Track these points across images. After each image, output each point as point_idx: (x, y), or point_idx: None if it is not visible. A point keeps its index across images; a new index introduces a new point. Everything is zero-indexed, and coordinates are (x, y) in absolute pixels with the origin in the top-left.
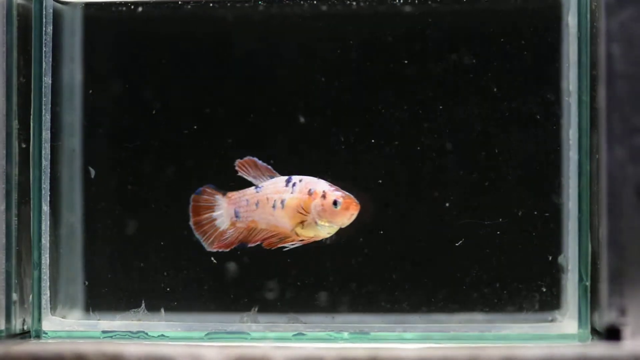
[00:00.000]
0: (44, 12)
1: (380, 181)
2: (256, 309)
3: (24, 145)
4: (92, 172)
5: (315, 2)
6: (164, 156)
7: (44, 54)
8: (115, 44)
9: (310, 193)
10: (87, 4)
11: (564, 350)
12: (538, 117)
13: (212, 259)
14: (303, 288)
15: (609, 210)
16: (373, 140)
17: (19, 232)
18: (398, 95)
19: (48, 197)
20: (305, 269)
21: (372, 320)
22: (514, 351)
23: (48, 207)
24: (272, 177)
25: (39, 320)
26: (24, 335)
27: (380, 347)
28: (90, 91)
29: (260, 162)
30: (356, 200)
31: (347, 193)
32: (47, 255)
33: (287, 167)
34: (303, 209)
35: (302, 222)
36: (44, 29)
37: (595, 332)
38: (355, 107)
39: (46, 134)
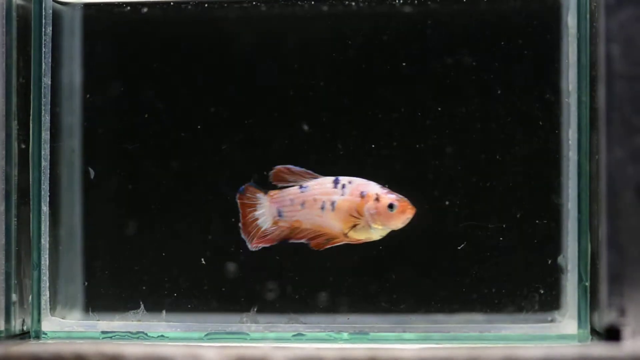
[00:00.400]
0: (43, 13)
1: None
2: (255, 310)
3: (23, 146)
4: (92, 172)
5: (314, 2)
6: (163, 156)
7: (43, 55)
8: (114, 44)
9: (362, 196)
10: (86, 5)
11: (564, 351)
12: (538, 117)
13: (202, 260)
14: (303, 288)
15: (609, 210)
16: (372, 141)
17: (18, 232)
18: (397, 96)
19: (47, 198)
20: (305, 269)
21: (372, 321)
22: (514, 351)
23: (47, 208)
24: (313, 178)
25: (39, 320)
26: (24, 335)
27: (380, 347)
28: (89, 95)
29: (295, 167)
30: (411, 203)
31: (400, 195)
32: (47, 256)
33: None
34: (356, 211)
35: (354, 225)
36: (43, 29)
37: (595, 333)
38: (354, 108)
39: (46, 135)
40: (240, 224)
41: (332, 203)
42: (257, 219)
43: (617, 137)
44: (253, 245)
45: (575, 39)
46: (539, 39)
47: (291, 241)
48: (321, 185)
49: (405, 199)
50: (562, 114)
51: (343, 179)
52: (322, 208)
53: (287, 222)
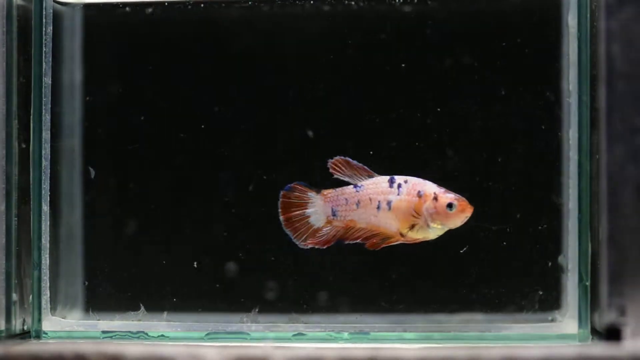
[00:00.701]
0: (43, 13)
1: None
2: (256, 310)
3: (24, 146)
4: (92, 172)
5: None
6: (163, 156)
7: (44, 55)
8: (114, 44)
9: (420, 195)
10: (86, 5)
11: (564, 350)
12: (538, 117)
13: (195, 263)
14: (303, 288)
15: (609, 210)
16: (372, 142)
17: (19, 232)
18: (397, 96)
19: (48, 197)
20: (305, 269)
21: (372, 320)
22: (514, 351)
23: (48, 207)
24: (369, 176)
25: (39, 320)
26: (24, 335)
27: (380, 347)
28: (88, 98)
29: (353, 161)
30: (468, 202)
31: (457, 194)
32: (47, 256)
33: (289, 166)
34: (414, 211)
35: (412, 225)
36: (43, 29)
37: (595, 332)
38: (353, 108)
39: (46, 134)
40: (282, 218)
41: (389, 203)
42: (307, 217)
43: (618, 136)
44: (305, 244)
45: (575, 39)
46: (539, 38)
47: (346, 242)
48: (376, 185)
49: (463, 198)
50: (562, 113)
51: (399, 179)
52: (378, 208)
53: (341, 222)
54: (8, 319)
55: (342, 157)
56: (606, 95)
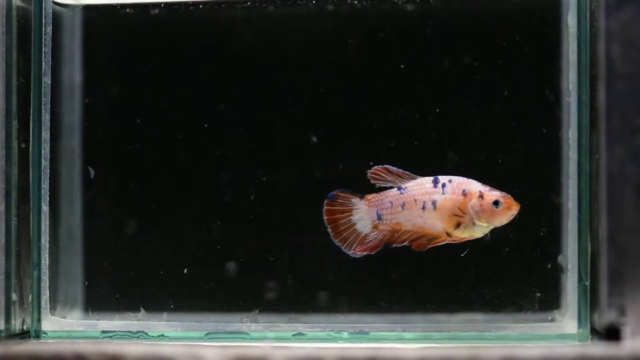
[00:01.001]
0: (43, 13)
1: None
2: (257, 312)
3: (23, 146)
4: (92, 172)
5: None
6: (163, 156)
7: (43, 55)
8: (114, 45)
9: (465, 194)
10: (86, 6)
11: (564, 350)
12: (538, 116)
13: (185, 270)
14: (303, 288)
15: (609, 210)
16: (372, 142)
17: (18, 232)
18: (397, 96)
19: (47, 197)
20: (306, 269)
21: (372, 320)
22: (514, 351)
23: (47, 207)
24: (411, 179)
25: (39, 320)
26: (24, 335)
27: (379, 347)
28: (87, 100)
29: (393, 168)
30: (514, 200)
31: (503, 192)
32: (47, 256)
33: (289, 166)
34: (460, 210)
35: (458, 224)
36: (43, 29)
37: (594, 332)
38: (352, 108)
39: (46, 134)
40: (329, 229)
41: (434, 203)
42: (354, 224)
43: (617, 136)
44: (355, 252)
45: (575, 39)
46: (539, 38)
47: (394, 245)
48: (420, 186)
49: (509, 195)
50: (562, 113)
51: (442, 179)
52: (424, 208)
53: (387, 225)
54: (8, 319)
55: (381, 166)
56: (606, 95)
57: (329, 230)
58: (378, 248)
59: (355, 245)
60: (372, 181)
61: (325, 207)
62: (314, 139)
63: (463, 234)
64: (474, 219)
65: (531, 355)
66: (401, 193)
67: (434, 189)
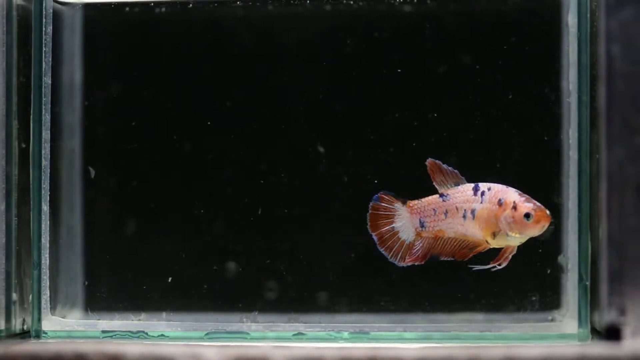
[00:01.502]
0: (43, 12)
1: (377, 181)
2: (256, 313)
3: (23, 145)
4: (92, 172)
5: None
6: (163, 156)
7: (43, 54)
8: (114, 44)
9: (500, 203)
10: (86, 5)
11: (564, 350)
12: (538, 116)
13: (169, 279)
14: (303, 287)
15: (609, 209)
16: (372, 141)
17: (18, 231)
18: (396, 96)
19: (48, 197)
20: (305, 268)
21: (372, 320)
22: (514, 351)
23: (48, 207)
24: (457, 183)
25: (39, 320)
26: (24, 335)
27: (380, 346)
28: (87, 103)
29: (445, 166)
30: (547, 212)
31: (537, 204)
32: (47, 255)
33: (289, 166)
34: (494, 219)
35: (493, 233)
36: (43, 28)
37: (595, 332)
38: (350, 108)
39: (46, 134)
40: (375, 237)
41: (472, 211)
42: (397, 232)
43: (618, 136)
44: (403, 263)
45: (575, 39)
46: (539, 38)
47: (442, 258)
48: (462, 193)
49: (542, 207)
50: (562, 113)
51: (483, 186)
52: (464, 217)
53: (430, 233)
54: (8, 319)
55: (434, 161)
56: (606, 95)
57: (375, 238)
58: (426, 258)
59: (400, 254)
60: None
61: (369, 212)
62: (314, 138)
63: (500, 243)
64: (507, 230)
65: (531, 355)
66: (444, 200)
67: (474, 197)
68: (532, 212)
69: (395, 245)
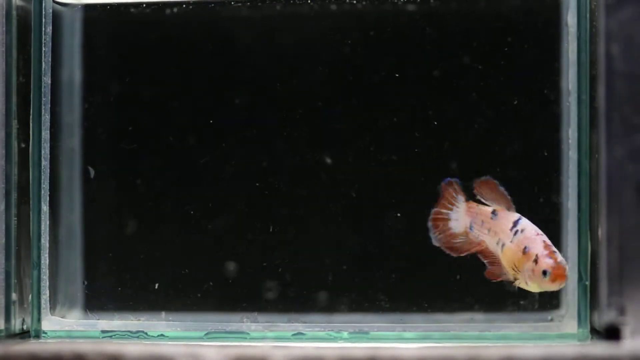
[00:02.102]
0: (43, 12)
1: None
2: (256, 314)
3: (23, 145)
4: (92, 171)
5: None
6: (163, 156)
7: (43, 54)
8: (114, 44)
9: (525, 252)
10: (86, 6)
11: (564, 350)
12: (537, 116)
13: (155, 285)
14: (303, 287)
15: (609, 209)
16: (372, 141)
17: (18, 231)
18: (396, 95)
19: (47, 197)
20: (305, 268)
21: (372, 320)
22: (514, 350)
23: (47, 207)
24: (507, 207)
25: (39, 320)
26: (24, 335)
27: (379, 346)
28: (87, 105)
29: (500, 186)
30: (566, 269)
31: (559, 259)
32: (47, 255)
33: (289, 165)
34: (515, 266)
35: (514, 275)
36: (43, 29)
37: (594, 332)
38: (350, 107)
39: (45, 134)
40: (432, 213)
41: (503, 245)
42: (449, 220)
43: (617, 136)
44: (442, 245)
45: (575, 38)
46: (538, 38)
47: (478, 255)
48: (504, 221)
49: (561, 264)
50: (562, 113)
51: (521, 225)
52: (497, 244)
53: (475, 238)
54: (7, 319)
55: (489, 179)
56: (605, 95)
57: (431, 213)
58: (461, 254)
59: (441, 236)
60: (474, 191)
61: (440, 190)
62: (315, 138)
63: (520, 284)
64: (526, 279)
65: (531, 355)
66: (492, 218)
67: (509, 231)
68: (550, 270)
69: (440, 226)
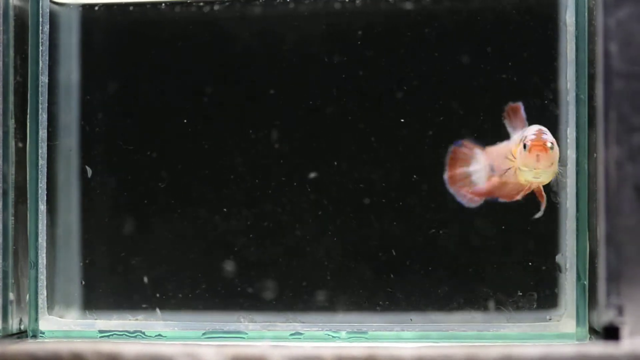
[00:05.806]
0: (40, 12)
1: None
2: (255, 313)
3: (20, 145)
4: (89, 171)
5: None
6: (161, 156)
7: (40, 54)
8: (111, 44)
9: (521, 139)
10: (83, 5)
11: (562, 350)
12: (536, 115)
13: (158, 310)
14: (301, 287)
15: (607, 209)
16: (371, 140)
17: (15, 231)
18: (396, 95)
19: (45, 197)
20: (304, 268)
21: (370, 320)
22: (512, 350)
23: (45, 206)
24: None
25: (36, 319)
26: (21, 334)
27: (378, 346)
28: (85, 97)
29: (522, 112)
30: (548, 143)
31: (545, 137)
32: (44, 255)
33: (288, 165)
34: (512, 154)
35: (514, 169)
36: (40, 28)
37: (593, 332)
38: (349, 107)
39: (43, 133)
40: (446, 176)
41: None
42: (470, 175)
43: (616, 135)
44: (466, 195)
45: (573, 37)
46: (537, 36)
47: (499, 200)
48: (517, 137)
49: (545, 139)
50: (560, 112)
51: (528, 129)
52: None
53: (498, 176)
54: (5, 319)
55: (517, 105)
56: (604, 94)
57: (446, 177)
58: (485, 197)
59: (464, 192)
60: (504, 117)
61: (449, 154)
62: (314, 138)
63: (520, 179)
64: (520, 164)
65: (529, 354)
66: (506, 144)
67: (520, 140)
68: (528, 143)
69: (464, 187)
